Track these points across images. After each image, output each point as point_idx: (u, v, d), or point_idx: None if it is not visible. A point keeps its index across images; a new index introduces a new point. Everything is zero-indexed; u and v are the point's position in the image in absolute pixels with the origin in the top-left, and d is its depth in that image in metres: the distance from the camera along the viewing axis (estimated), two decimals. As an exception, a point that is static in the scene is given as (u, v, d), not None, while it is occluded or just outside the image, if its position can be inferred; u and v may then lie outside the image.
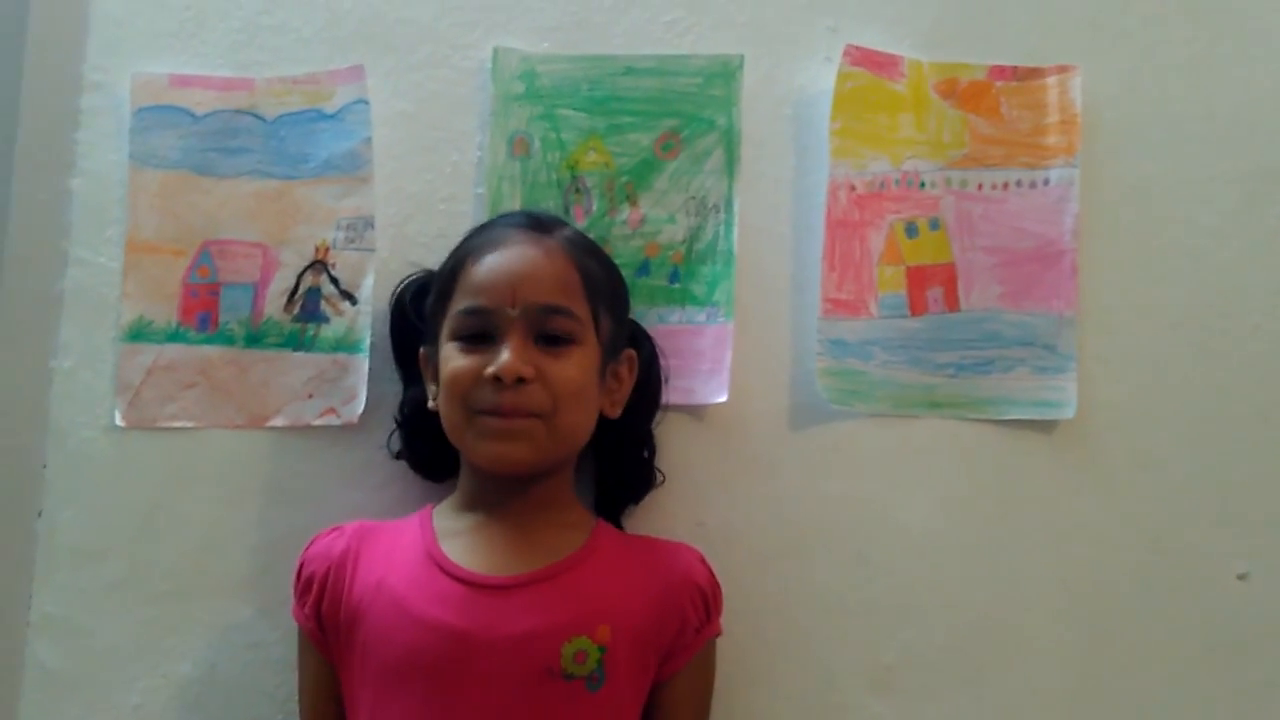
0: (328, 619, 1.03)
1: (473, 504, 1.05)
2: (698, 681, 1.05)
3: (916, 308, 1.17)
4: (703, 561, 1.06)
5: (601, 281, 1.06)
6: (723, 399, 1.14)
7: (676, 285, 1.17)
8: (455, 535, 1.03)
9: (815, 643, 1.15)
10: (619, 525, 1.12)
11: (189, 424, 1.18)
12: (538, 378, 0.99)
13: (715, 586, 1.06)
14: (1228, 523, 1.15)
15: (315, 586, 1.04)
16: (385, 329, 1.16)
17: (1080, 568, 1.15)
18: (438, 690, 0.97)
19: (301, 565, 1.06)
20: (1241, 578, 1.15)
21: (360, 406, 1.17)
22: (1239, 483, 1.15)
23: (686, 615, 1.02)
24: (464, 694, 0.96)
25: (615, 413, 1.07)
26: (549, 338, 1.01)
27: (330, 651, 1.04)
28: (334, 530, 1.07)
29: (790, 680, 1.14)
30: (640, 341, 1.12)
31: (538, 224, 1.07)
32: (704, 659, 1.05)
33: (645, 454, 1.12)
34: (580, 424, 1.03)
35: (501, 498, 1.04)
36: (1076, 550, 1.15)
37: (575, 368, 1.01)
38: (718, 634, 1.06)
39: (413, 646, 0.98)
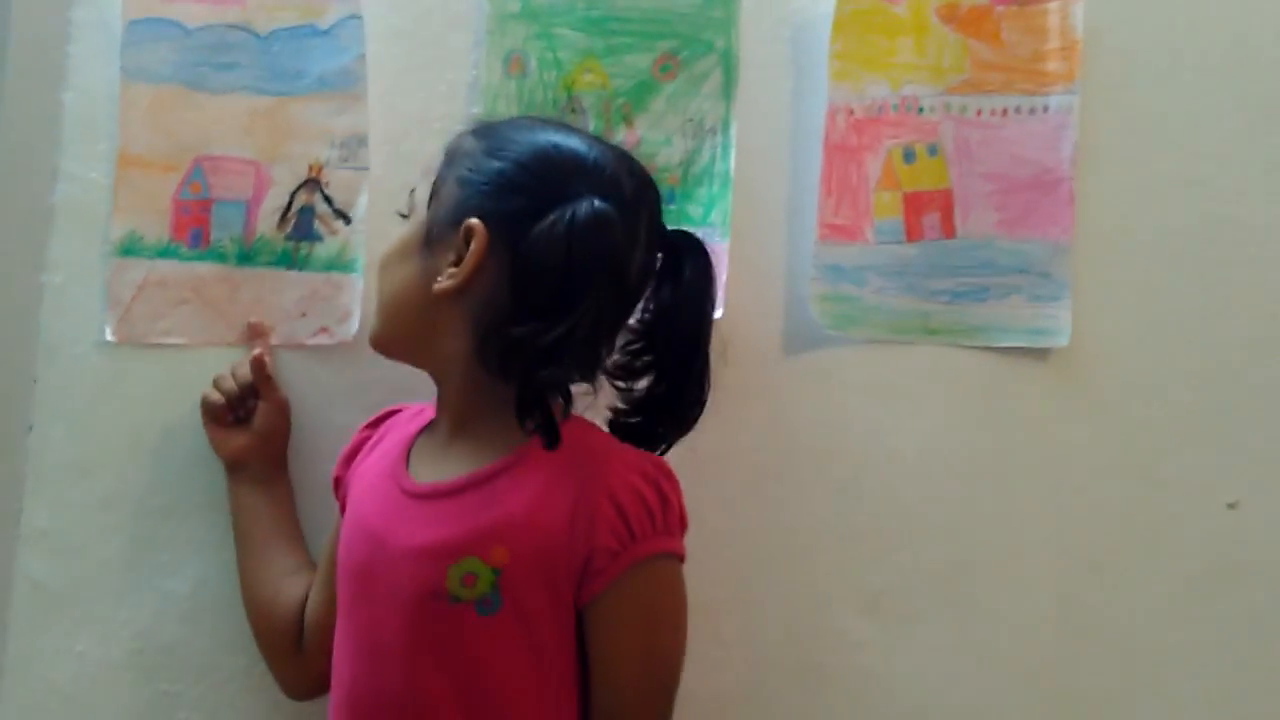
0: (341, 493, 1.06)
1: (436, 410, 1.02)
2: (627, 607, 0.92)
3: (913, 234, 1.16)
4: (644, 474, 0.93)
5: (459, 155, 0.99)
6: (718, 314, 1.12)
7: (672, 207, 1.16)
8: (423, 439, 1.02)
9: (806, 566, 1.15)
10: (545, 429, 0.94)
11: (180, 340, 1.17)
12: None
13: (653, 503, 0.92)
14: (1219, 451, 1.15)
15: (343, 463, 1.08)
16: (380, 247, 1.15)
17: (1071, 494, 1.15)
18: (357, 594, 0.96)
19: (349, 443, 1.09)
20: (1232, 506, 1.15)
21: (354, 326, 1.16)
22: (1231, 411, 1.16)
23: (596, 536, 0.90)
24: (372, 603, 0.95)
25: (439, 287, 0.94)
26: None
27: None
28: (391, 411, 1.09)
29: (781, 603, 1.15)
30: (679, 248, 1.00)
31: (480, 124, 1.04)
32: (634, 583, 0.91)
33: (682, 381, 0.98)
34: (382, 295, 1.00)
35: (439, 404, 1.01)
36: (1068, 477, 1.15)
37: (392, 240, 1.01)
38: (652, 555, 0.92)
39: (349, 541, 0.99)
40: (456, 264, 0.94)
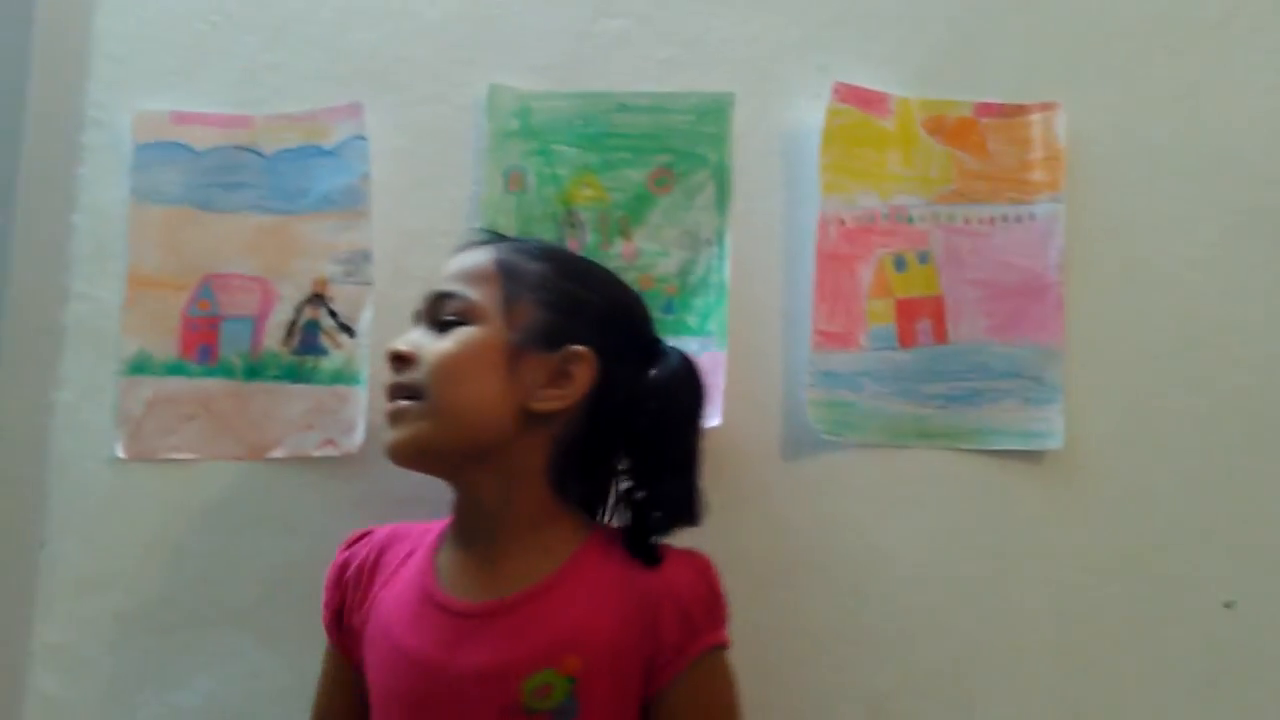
0: (345, 623, 1.04)
1: (457, 524, 1.03)
2: (694, 697, 0.96)
3: (905, 340, 1.19)
4: (696, 569, 0.99)
5: (532, 275, 1.00)
6: (716, 423, 1.14)
7: (670, 316, 1.19)
8: (451, 556, 1.02)
9: (811, 670, 1.16)
10: (649, 551, 1.00)
11: (190, 456, 1.20)
12: (416, 358, 0.98)
13: (707, 598, 0.98)
14: (1214, 551, 1.17)
15: (337, 589, 1.05)
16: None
17: (1069, 596, 1.16)
18: (415, 718, 0.96)
19: (332, 567, 1.06)
20: (1228, 606, 1.16)
21: (360, 437, 1.18)
22: (1225, 511, 1.17)
23: (661, 632, 0.95)
24: None
25: (542, 406, 0.97)
26: (443, 323, 1.00)
27: (351, 655, 1.04)
28: (365, 534, 1.07)
29: (787, 707, 1.16)
30: (660, 359, 1.02)
31: (494, 237, 1.07)
32: (701, 673, 0.97)
33: (666, 483, 1.01)
34: (460, 403, 0.96)
35: (474, 517, 1.01)
36: (1065, 578, 1.17)
37: (451, 342, 0.97)
38: (712, 648, 0.97)
39: (394, 672, 0.98)
40: (549, 384, 0.98)
